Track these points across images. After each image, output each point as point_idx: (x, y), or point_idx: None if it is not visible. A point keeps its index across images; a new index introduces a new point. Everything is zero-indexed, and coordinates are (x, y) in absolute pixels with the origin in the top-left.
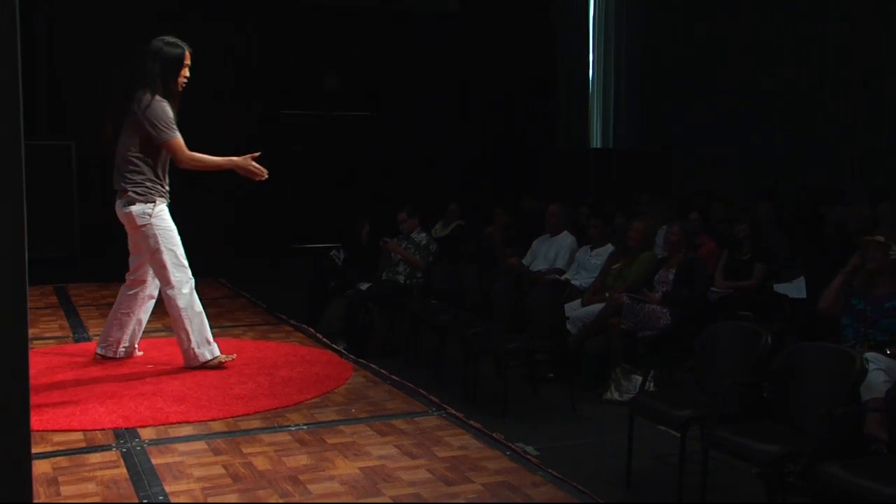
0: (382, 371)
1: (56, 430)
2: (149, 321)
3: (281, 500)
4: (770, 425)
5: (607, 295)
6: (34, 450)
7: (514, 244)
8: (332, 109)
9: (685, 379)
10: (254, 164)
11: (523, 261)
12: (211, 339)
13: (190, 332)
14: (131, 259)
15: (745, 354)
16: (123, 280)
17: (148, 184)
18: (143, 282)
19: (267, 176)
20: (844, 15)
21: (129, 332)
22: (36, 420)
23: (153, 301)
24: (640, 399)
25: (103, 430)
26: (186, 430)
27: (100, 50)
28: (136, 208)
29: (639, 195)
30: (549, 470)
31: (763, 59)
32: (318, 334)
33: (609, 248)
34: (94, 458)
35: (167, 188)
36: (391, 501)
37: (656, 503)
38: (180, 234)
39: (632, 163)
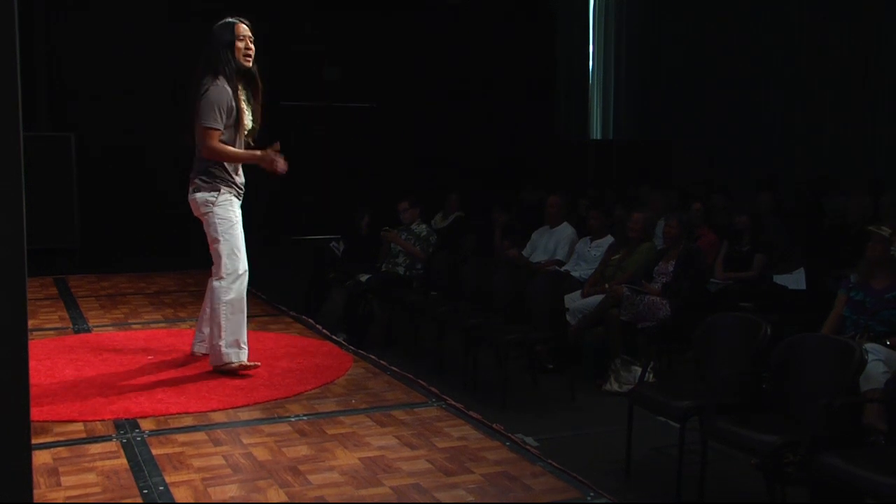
0: (382, 362)
1: (56, 421)
2: (148, 312)
3: (281, 491)
4: (769, 416)
5: (607, 286)
6: (34, 440)
7: (514, 236)
8: (332, 100)
9: (684, 370)
10: (276, 155)
11: (523, 252)
12: (242, 343)
13: (223, 329)
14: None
15: (745, 345)
16: (122, 271)
17: (216, 172)
18: None
19: (286, 169)
20: (844, 5)
21: None
22: (36, 411)
23: None
24: (639, 390)
25: (103, 420)
26: (186, 421)
27: (100, 41)
28: (199, 195)
29: (638, 186)
30: (549, 460)
31: (763, 50)
32: (317, 325)
33: (609, 239)
34: (95, 448)
35: (237, 180)
36: (391, 492)
37: (655, 496)
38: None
39: (632, 154)
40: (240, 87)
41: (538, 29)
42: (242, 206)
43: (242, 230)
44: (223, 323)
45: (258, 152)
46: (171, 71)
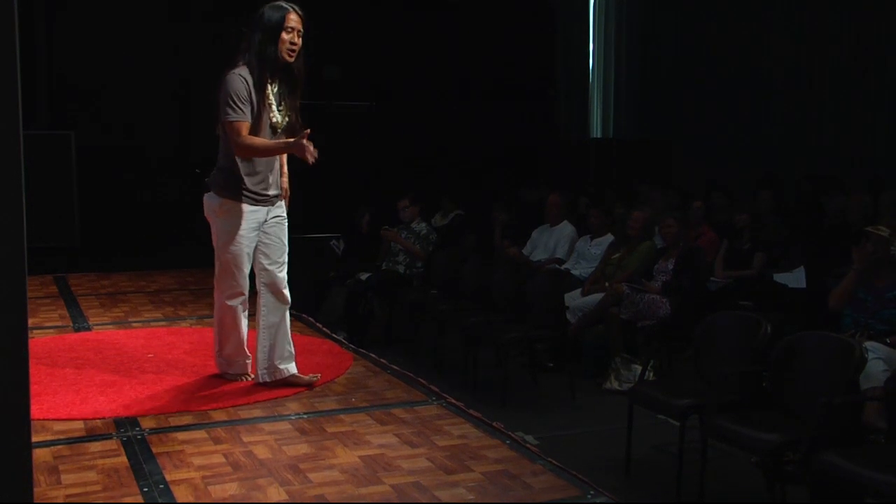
0: (382, 360)
1: (56, 419)
2: (148, 311)
3: (281, 489)
4: (769, 414)
5: (607, 285)
6: (34, 438)
7: (514, 234)
8: (332, 99)
9: (685, 368)
10: (307, 143)
11: (523, 250)
12: (237, 356)
13: (217, 342)
14: None
15: (745, 343)
16: (122, 269)
17: (227, 176)
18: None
19: (316, 157)
20: (845, 5)
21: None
22: (36, 409)
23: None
24: (639, 388)
25: (103, 418)
26: (186, 419)
27: (100, 39)
28: (206, 198)
29: (639, 185)
30: (549, 459)
31: (763, 48)
32: (318, 324)
33: (609, 237)
34: (95, 446)
35: (256, 187)
36: (391, 490)
37: (654, 495)
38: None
39: (632, 152)
40: (273, 81)
41: (538, 29)
42: None
43: (250, 244)
44: (218, 335)
45: (290, 140)
46: (171, 70)
